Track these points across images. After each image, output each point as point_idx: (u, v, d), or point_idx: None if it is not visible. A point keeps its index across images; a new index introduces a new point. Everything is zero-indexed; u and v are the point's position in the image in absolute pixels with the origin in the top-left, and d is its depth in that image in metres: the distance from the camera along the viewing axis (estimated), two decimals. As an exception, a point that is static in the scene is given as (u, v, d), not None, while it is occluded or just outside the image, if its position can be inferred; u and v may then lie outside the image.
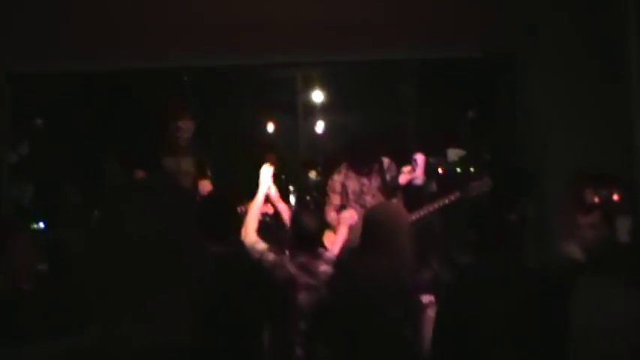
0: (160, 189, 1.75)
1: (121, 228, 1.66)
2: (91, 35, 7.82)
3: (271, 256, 5.15)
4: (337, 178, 7.02)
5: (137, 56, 8.26)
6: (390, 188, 6.83)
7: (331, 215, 6.86)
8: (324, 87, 10.23)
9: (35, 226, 8.33)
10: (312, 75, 9.99)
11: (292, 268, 5.08)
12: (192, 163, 7.04)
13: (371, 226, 4.49)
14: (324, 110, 10.35)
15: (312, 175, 9.38)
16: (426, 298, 5.37)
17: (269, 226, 7.88)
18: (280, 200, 6.20)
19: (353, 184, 6.98)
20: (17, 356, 3.13)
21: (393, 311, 4.25)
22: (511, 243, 4.21)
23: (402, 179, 6.63)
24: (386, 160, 6.99)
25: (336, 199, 6.98)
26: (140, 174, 6.71)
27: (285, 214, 6.07)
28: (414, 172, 6.58)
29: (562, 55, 7.79)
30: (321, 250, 5.36)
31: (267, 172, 5.99)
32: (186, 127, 6.94)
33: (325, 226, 6.39)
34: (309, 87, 10.12)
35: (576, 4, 7.68)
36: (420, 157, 6.60)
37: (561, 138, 7.76)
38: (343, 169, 7.02)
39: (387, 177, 6.91)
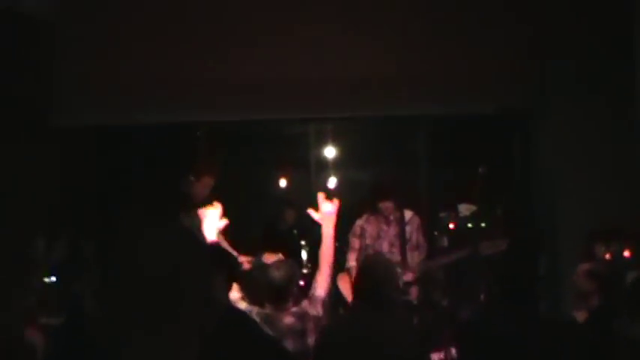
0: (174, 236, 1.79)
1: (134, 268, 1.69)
2: (103, 89, 7.93)
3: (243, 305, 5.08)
4: (359, 222, 7.30)
5: (151, 111, 8.35)
6: (408, 238, 7.01)
7: (351, 259, 7.15)
8: (336, 142, 10.30)
9: (47, 280, 8.34)
10: (324, 130, 10.06)
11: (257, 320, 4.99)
12: None
13: (363, 277, 4.44)
14: (337, 166, 10.40)
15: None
16: (435, 356, 5.35)
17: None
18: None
19: (371, 229, 7.21)
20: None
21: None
22: (527, 298, 4.18)
23: None
24: (408, 213, 7.17)
25: (355, 243, 7.24)
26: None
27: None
28: None
29: (575, 112, 7.84)
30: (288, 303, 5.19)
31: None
32: (206, 183, 7.07)
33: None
34: (321, 142, 10.19)
35: (589, 63, 7.77)
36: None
37: (574, 194, 7.78)
38: (366, 214, 7.26)
39: (408, 228, 7.07)
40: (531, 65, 8.11)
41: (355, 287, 4.44)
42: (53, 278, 8.44)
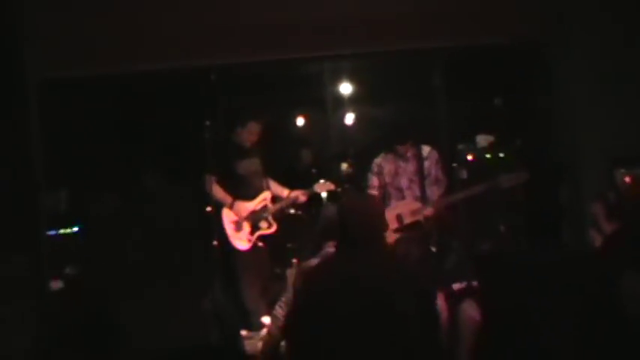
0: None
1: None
2: (118, 39, 7.88)
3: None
4: (377, 161, 7.31)
5: (165, 58, 8.29)
6: (426, 174, 7.03)
7: None
8: (351, 80, 10.23)
9: (69, 230, 8.42)
10: (340, 68, 9.99)
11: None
12: (259, 164, 7.46)
13: (348, 222, 4.31)
14: (353, 103, 10.36)
15: (344, 167, 9.41)
16: (457, 286, 5.33)
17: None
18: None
19: (389, 166, 7.21)
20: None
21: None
22: (549, 230, 4.15)
23: None
24: (426, 148, 7.17)
25: (375, 181, 7.26)
26: (213, 179, 7.14)
27: None
28: None
29: (593, 41, 7.74)
30: None
31: None
32: (255, 129, 7.30)
33: None
34: (337, 80, 10.13)
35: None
36: None
37: (594, 123, 7.71)
38: (384, 152, 7.28)
39: (426, 164, 7.07)
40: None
41: (340, 230, 4.31)
42: (75, 228, 8.51)
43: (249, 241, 7.24)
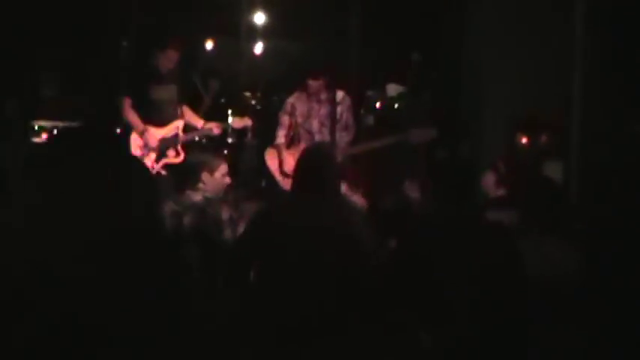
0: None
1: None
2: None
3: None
4: (290, 100, 7.30)
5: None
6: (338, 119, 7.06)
7: (280, 136, 7.24)
8: (267, 10, 10.13)
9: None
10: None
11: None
12: (175, 91, 7.33)
13: (305, 168, 4.39)
14: (266, 34, 10.27)
15: (253, 98, 9.35)
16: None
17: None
18: None
19: (302, 107, 7.22)
20: None
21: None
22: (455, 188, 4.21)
23: None
24: (340, 93, 7.17)
25: (285, 120, 7.27)
26: (127, 101, 7.06)
27: None
28: None
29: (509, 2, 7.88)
30: None
31: None
32: (173, 56, 7.16)
33: None
34: (253, 8, 10.01)
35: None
36: None
37: (501, 82, 7.89)
38: (297, 92, 7.26)
39: (339, 109, 7.08)
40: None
41: (295, 176, 4.38)
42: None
43: (153, 168, 7.19)
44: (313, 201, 4.14)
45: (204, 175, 5.39)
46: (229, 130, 7.58)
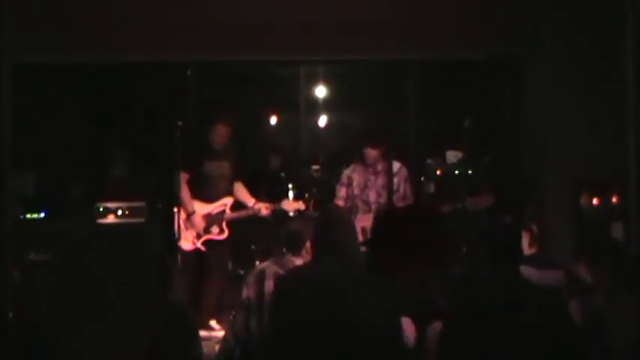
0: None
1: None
2: (96, 28, 7.87)
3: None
4: (346, 172, 7.39)
5: (142, 50, 8.28)
6: (395, 189, 7.06)
7: None
8: (326, 85, 10.25)
9: (36, 215, 8.37)
10: (315, 72, 10.01)
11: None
12: (227, 167, 7.38)
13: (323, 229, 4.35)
14: (326, 108, 10.37)
15: (313, 171, 9.41)
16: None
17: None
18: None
19: (359, 178, 7.28)
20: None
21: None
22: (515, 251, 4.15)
23: None
24: (396, 164, 7.22)
25: (342, 192, 7.34)
26: (184, 176, 7.12)
27: None
28: None
29: (567, 61, 7.81)
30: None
31: None
32: (223, 132, 7.26)
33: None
34: (312, 83, 10.14)
35: (578, 8, 7.72)
36: None
37: (563, 144, 7.79)
38: (354, 164, 7.34)
39: (395, 179, 7.12)
40: (525, 11, 8.05)
41: (314, 240, 4.34)
42: (42, 214, 8.45)
43: (193, 243, 7.22)
44: (328, 265, 4.10)
45: None
46: (279, 212, 7.44)
